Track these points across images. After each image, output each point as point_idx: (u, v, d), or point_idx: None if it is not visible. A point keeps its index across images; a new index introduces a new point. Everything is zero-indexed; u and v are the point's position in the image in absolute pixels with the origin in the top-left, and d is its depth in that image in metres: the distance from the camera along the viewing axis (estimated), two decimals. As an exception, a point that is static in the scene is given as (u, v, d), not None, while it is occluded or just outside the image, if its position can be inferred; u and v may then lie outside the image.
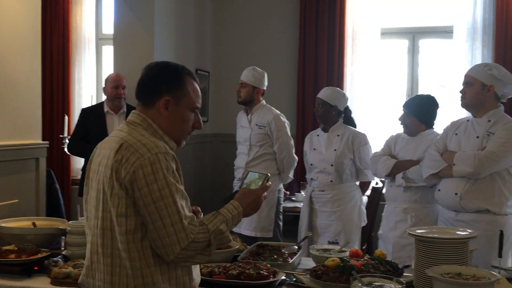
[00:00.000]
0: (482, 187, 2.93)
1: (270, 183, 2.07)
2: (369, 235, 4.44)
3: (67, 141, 4.84)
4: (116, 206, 1.71)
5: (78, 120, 4.56)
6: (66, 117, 5.50)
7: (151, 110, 1.87)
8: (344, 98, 3.90)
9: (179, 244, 1.68)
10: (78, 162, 5.95)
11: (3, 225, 2.79)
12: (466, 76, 3.07)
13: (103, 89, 4.46)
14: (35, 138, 3.26)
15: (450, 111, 4.83)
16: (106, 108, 4.39)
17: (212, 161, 6.01)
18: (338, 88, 4.17)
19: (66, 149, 4.84)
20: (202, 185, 5.77)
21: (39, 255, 2.51)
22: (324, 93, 3.87)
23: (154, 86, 1.89)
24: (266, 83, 4.30)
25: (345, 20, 5.48)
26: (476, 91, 2.99)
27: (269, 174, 2.11)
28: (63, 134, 5.23)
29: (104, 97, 4.52)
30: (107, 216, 1.74)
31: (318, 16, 5.54)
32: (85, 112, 4.53)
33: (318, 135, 3.97)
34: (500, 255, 2.53)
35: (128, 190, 1.71)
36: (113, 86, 4.32)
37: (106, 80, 4.44)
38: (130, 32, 4.69)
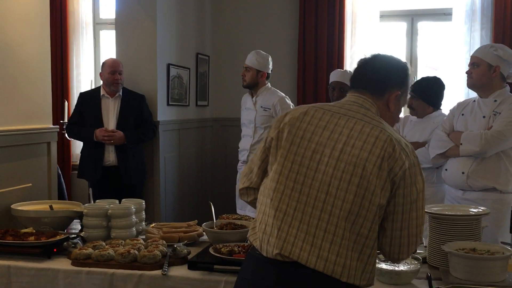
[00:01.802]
0: (488, 166, 2.99)
1: None
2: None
3: (67, 126, 4.86)
4: (380, 197, 1.67)
5: (76, 104, 4.59)
6: (66, 102, 5.50)
7: (380, 101, 1.85)
8: None
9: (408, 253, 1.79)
10: (78, 147, 5.95)
11: (20, 208, 2.81)
12: (473, 57, 3.12)
13: (100, 74, 4.48)
14: (46, 122, 3.27)
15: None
16: (102, 92, 4.41)
17: (212, 145, 6.04)
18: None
19: (66, 135, 4.85)
20: (203, 168, 5.81)
21: (58, 237, 2.54)
22: (343, 76, 3.91)
23: (389, 78, 1.87)
24: (270, 66, 4.33)
25: (344, 3, 5.50)
26: (483, 72, 3.04)
27: None
28: (63, 120, 5.24)
29: (101, 82, 4.54)
30: (361, 202, 1.66)
31: (318, -1, 5.55)
32: (82, 96, 4.57)
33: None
34: (511, 231, 2.60)
35: (394, 186, 1.68)
36: (110, 72, 4.33)
37: (102, 66, 4.45)
38: (132, 17, 4.69)
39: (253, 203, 1.98)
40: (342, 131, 1.73)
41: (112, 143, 4.25)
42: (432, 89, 3.47)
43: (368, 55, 1.94)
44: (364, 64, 1.90)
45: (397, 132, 1.84)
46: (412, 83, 3.54)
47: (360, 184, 1.66)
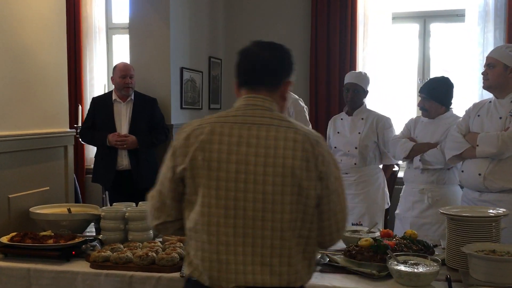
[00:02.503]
0: (505, 167, 2.97)
1: None
2: (385, 216, 4.50)
3: (81, 130, 4.89)
4: (314, 198, 1.66)
5: (89, 109, 4.62)
6: (80, 107, 5.54)
7: (275, 94, 1.76)
8: (369, 80, 3.97)
9: None
10: (91, 152, 5.98)
11: (38, 211, 2.84)
12: (488, 58, 3.10)
13: (111, 79, 4.51)
14: (63, 126, 3.31)
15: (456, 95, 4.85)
16: (114, 97, 4.43)
17: (225, 148, 6.04)
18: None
19: (80, 139, 4.89)
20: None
21: (76, 240, 2.56)
22: (357, 77, 3.90)
23: (281, 68, 1.78)
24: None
25: (356, 5, 5.49)
26: (499, 73, 3.02)
27: None
28: (76, 124, 5.28)
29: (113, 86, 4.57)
30: (298, 208, 1.64)
31: (330, 1, 5.54)
32: (94, 101, 4.59)
33: (342, 119, 4.01)
34: (530, 232, 2.58)
35: (322, 181, 1.66)
36: (121, 76, 4.35)
37: (113, 70, 4.48)
38: (146, 21, 4.72)
39: (174, 234, 1.96)
40: (258, 142, 1.64)
41: (125, 148, 4.27)
42: (443, 89, 3.47)
43: (245, 46, 1.80)
44: (248, 58, 1.77)
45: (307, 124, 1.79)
46: (422, 85, 3.54)
47: (294, 191, 1.63)
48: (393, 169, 4.45)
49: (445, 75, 3.60)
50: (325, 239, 1.73)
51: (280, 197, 1.62)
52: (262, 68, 1.75)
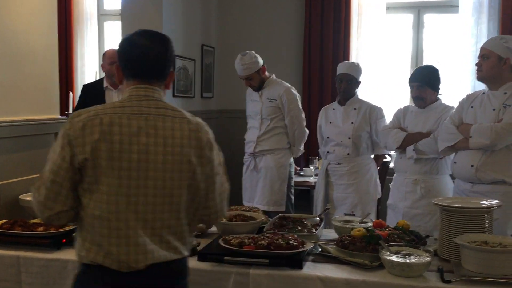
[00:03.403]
0: (498, 159, 2.96)
1: None
2: (377, 206, 4.51)
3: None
4: (205, 180, 1.88)
5: (80, 96, 4.57)
6: (71, 93, 5.49)
7: (162, 84, 1.87)
8: (361, 71, 3.95)
9: None
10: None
11: (28, 198, 2.81)
12: (482, 49, 3.08)
13: (101, 66, 4.46)
14: (53, 113, 3.27)
15: (449, 86, 4.86)
16: (105, 84, 4.39)
17: (218, 137, 5.97)
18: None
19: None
20: (208, 160, 5.80)
21: (67, 228, 2.53)
22: (350, 68, 3.89)
23: (169, 59, 1.87)
24: (260, 59, 4.25)
25: (351, -6, 5.47)
26: (493, 64, 3.01)
27: None
28: (67, 111, 5.23)
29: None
30: (194, 191, 1.84)
31: (324, -10, 5.52)
32: (85, 88, 4.55)
33: (334, 109, 4.00)
34: (522, 224, 2.59)
35: (210, 164, 1.86)
36: (110, 63, 4.30)
37: (103, 57, 4.43)
38: (138, 8, 4.67)
39: (67, 223, 2.00)
40: (156, 133, 1.75)
41: None
42: (435, 76, 3.47)
43: (130, 36, 1.84)
44: (138, 49, 1.80)
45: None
46: (411, 75, 3.52)
47: (190, 177, 1.79)
48: (384, 159, 4.45)
49: (438, 66, 3.59)
50: (210, 217, 1.93)
51: (178, 183, 1.77)
52: (154, 62, 1.82)
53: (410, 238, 2.42)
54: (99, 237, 1.74)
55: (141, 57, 1.81)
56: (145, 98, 1.79)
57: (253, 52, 4.23)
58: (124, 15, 4.75)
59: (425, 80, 3.43)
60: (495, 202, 2.30)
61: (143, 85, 1.81)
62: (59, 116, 3.33)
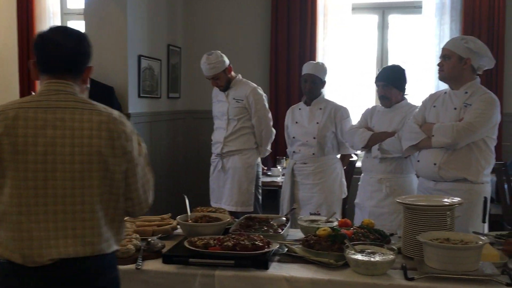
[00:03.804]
0: (459, 157, 3.02)
1: None
2: (343, 206, 4.54)
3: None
4: (121, 172, 1.85)
5: None
6: (33, 94, 5.36)
7: (78, 79, 1.88)
8: (326, 70, 3.97)
9: None
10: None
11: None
12: (444, 49, 3.14)
13: None
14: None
15: (414, 86, 4.92)
16: None
17: (184, 137, 5.98)
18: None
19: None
20: (176, 161, 5.75)
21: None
22: (315, 68, 3.90)
23: (86, 55, 1.88)
24: (226, 59, 4.23)
25: (317, -5, 5.51)
26: (454, 64, 3.07)
27: None
28: (30, 112, 5.11)
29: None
30: (108, 183, 1.81)
31: (290, -9, 5.54)
32: None
33: (300, 109, 4.02)
34: (484, 221, 2.64)
35: (127, 156, 1.84)
36: None
37: None
38: (102, 7, 4.59)
39: None
40: (64, 125, 1.75)
41: None
42: (401, 76, 3.53)
43: (44, 32, 1.85)
44: (52, 46, 1.82)
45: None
46: (378, 74, 3.57)
47: (101, 168, 1.77)
48: (351, 159, 4.49)
49: (403, 66, 3.64)
50: (134, 209, 1.92)
51: (88, 174, 1.76)
52: (67, 58, 1.83)
53: (375, 237, 2.44)
54: (5, 231, 1.74)
55: (53, 53, 1.82)
56: (55, 92, 1.80)
57: (219, 51, 4.21)
58: (87, 14, 4.67)
59: (390, 80, 3.48)
60: (456, 199, 2.34)
61: (55, 79, 1.82)
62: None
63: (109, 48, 4.62)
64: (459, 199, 2.36)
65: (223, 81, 4.21)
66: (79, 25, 5.52)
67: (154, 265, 2.24)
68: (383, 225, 3.31)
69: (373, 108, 3.69)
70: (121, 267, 2.21)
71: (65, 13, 6.13)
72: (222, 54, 4.19)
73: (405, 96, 3.56)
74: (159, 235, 2.54)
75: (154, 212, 3.73)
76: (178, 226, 2.66)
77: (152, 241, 2.36)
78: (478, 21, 5.19)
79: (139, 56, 4.84)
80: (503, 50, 5.21)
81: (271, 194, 4.93)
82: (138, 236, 2.47)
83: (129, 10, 4.60)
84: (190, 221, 2.59)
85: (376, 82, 3.56)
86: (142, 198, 1.92)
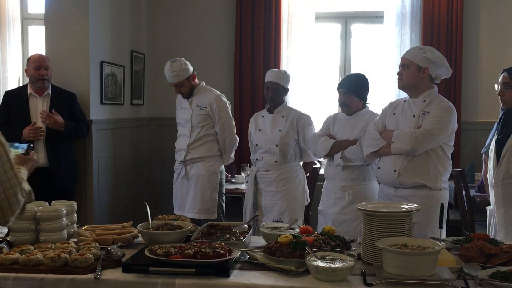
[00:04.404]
0: (418, 164, 3.09)
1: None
2: (307, 212, 4.57)
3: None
4: None
5: (1, 104, 4.38)
6: (-8, 101, 5.22)
7: None
8: (289, 78, 4.00)
9: None
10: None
11: None
12: (403, 59, 3.21)
13: (25, 71, 4.32)
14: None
15: (376, 94, 5.02)
16: (29, 90, 4.24)
17: (148, 145, 5.93)
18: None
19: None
20: (139, 169, 5.69)
21: None
22: (277, 76, 3.92)
23: None
24: (190, 66, 4.23)
25: (280, 3, 5.56)
26: (412, 73, 3.14)
27: (31, 145, 2.49)
28: (-12, 119, 4.97)
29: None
30: None
31: (255, -1, 5.57)
32: (8, 95, 4.38)
33: (263, 116, 4.03)
34: (440, 227, 2.69)
35: None
36: (35, 67, 4.18)
37: (27, 61, 4.30)
38: (62, 11, 4.52)
39: None
40: None
41: (43, 134, 4.10)
42: (361, 84, 3.59)
43: None
44: None
45: None
46: (340, 81, 3.62)
47: None
48: (314, 166, 4.52)
49: (367, 75, 3.69)
50: None
51: None
52: None
53: (335, 243, 2.46)
54: None
55: None
56: None
57: (183, 59, 4.19)
58: (48, 19, 4.59)
59: (351, 88, 3.53)
60: (414, 206, 2.38)
61: None
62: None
63: (71, 54, 4.55)
64: (416, 205, 2.40)
65: (187, 89, 4.19)
66: (40, 30, 5.43)
67: (113, 274, 2.20)
68: (347, 232, 3.36)
69: (335, 115, 3.73)
70: (79, 276, 2.18)
71: (26, 18, 6.02)
72: (186, 61, 4.18)
73: (366, 104, 3.61)
74: (120, 243, 2.49)
75: (115, 220, 3.69)
76: (139, 235, 2.63)
77: (112, 250, 2.32)
78: (437, 32, 5.33)
79: (102, 62, 4.78)
80: (461, 59, 5.36)
81: (236, 201, 4.93)
82: (97, 245, 2.43)
83: (91, 15, 4.55)
84: (151, 229, 2.56)
85: (338, 88, 3.61)
86: (4, 204, 1.83)
